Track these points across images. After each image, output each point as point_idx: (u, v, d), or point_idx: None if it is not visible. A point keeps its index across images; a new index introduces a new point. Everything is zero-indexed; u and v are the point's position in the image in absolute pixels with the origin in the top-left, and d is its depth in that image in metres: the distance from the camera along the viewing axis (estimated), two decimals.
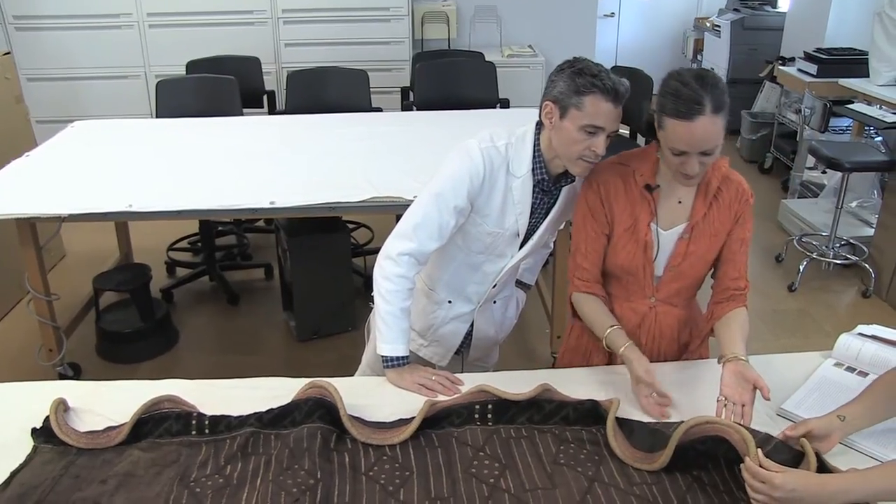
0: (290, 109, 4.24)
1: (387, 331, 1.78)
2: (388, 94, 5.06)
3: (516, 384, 1.65)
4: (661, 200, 1.75)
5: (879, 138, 4.53)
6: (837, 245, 4.21)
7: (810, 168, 5.15)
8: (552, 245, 2.37)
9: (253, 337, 3.62)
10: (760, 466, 1.30)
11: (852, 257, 4.17)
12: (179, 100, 4.05)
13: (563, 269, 3.12)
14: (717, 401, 1.57)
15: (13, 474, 1.45)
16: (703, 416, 1.47)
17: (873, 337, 1.86)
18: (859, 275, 4.13)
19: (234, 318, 3.81)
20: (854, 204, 4.59)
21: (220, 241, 4.42)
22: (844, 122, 5.01)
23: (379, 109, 4.29)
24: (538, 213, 1.88)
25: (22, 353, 3.35)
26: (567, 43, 5.70)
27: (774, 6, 6.66)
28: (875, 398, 1.52)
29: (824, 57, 4.90)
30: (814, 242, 4.34)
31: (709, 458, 1.47)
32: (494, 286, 1.98)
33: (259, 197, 2.76)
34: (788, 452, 1.41)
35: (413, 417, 1.58)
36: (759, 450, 1.33)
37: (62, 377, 3.12)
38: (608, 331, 1.73)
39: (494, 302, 2.07)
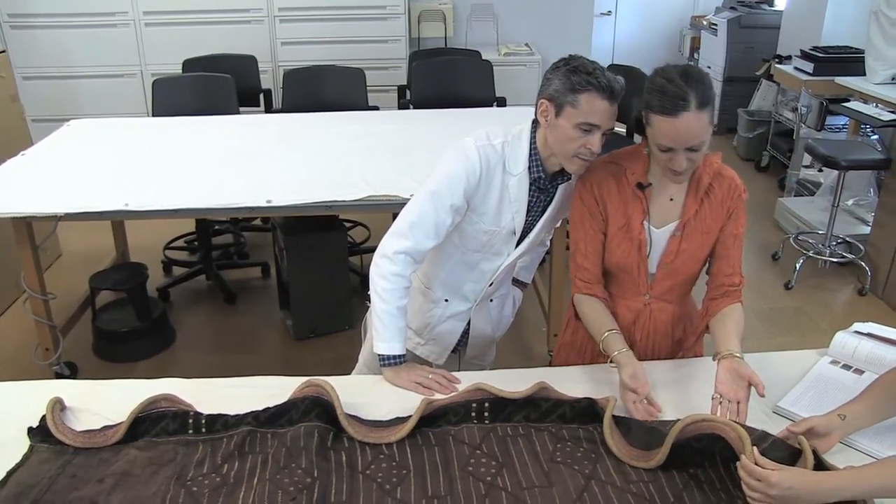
0: (287, 108, 4.24)
1: (383, 329, 1.78)
2: (384, 92, 5.05)
3: (513, 382, 1.65)
4: (652, 198, 1.76)
5: (876, 136, 4.54)
6: (834, 243, 4.21)
7: (807, 166, 5.15)
8: (549, 243, 2.37)
9: (250, 336, 3.62)
10: (756, 464, 1.30)
11: (849, 255, 4.18)
12: (176, 98, 4.04)
13: (559, 267, 3.13)
14: (713, 398, 1.57)
15: (10, 474, 1.45)
16: (699, 413, 1.47)
17: (869, 335, 1.87)
18: (855, 273, 4.14)
19: (230, 316, 3.80)
20: (850, 202, 4.60)
21: (217, 240, 4.42)
22: (841, 120, 5.01)
23: (375, 108, 4.29)
24: (534, 211, 1.88)
25: (18, 353, 3.35)
26: (564, 41, 5.70)
27: (771, 4, 6.66)
28: (875, 397, 1.52)
29: (821, 55, 4.91)
30: (810, 240, 4.35)
31: (705, 456, 1.47)
32: (491, 284, 1.98)
33: (256, 195, 2.76)
34: (785, 450, 1.42)
35: (410, 416, 1.58)
36: (755, 448, 1.33)
37: (59, 376, 3.12)
38: (605, 335, 1.73)
39: (491, 300, 2.07)
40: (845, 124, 5.04)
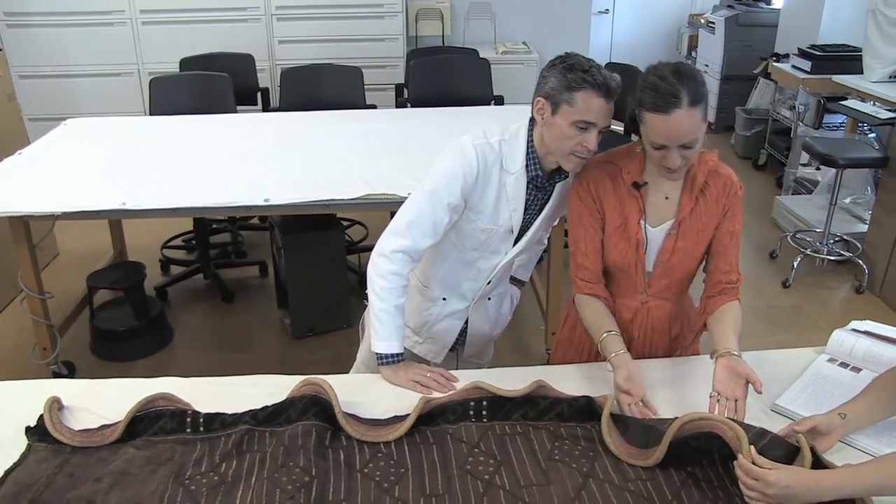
0: (284, 107, 4.24)
1: (381, 328, 1.78)
2: (382, 90, 5.05)
3: (511, 381, 1.65)
4: (648, 197, 1.76)
5: (873, 135, 4.55)
6: (831, 241, 4.22)
7: (804, 164, 5.16)
8: (546, 241, 2.37)
9: (247, 334, 3.62)
10: (753, 463, 1.30)
11: (846, 253, 4.18)
12: (173, 97, 4.03)
13: (557, 265, 3.13)
14: (710, 397, 1.57)
15: (7, 473, 1.45)
16: (697, 412, 1.47)
17: (866, 333, 1.87)
18: (853, 271, 4.15)
19: (228, 315, 3.80)
20: (848, 200, 4.60)
21: (215, 239, 4.41)
22: (838, 118, 5.02)
23: (373, 106, 4.29)
24: (532, 209, 1.88)
25: (16, 352, 3.34)
26: (561, 40, 5.69)
27: (769, 3, 6.66)
28: (875, 397, 1.53)
29: (818, 53, 4.91)
30: (808, 239, 4.35)
31: (703, 454, 1.47)
32: (489, 283, 1.98)
33: (253, 194, 2.76)
34: (783, 448, 1.41)
35: (408, 414, 1.58)
36: (753, 447, 1.33)
37: (56, 375, 3.11)
38: (603, 336, 1.72)
39: (489, 299, 2.07)
40: (843, 122, 5.04)
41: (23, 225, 2.87)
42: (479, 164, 1.76)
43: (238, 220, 4.60)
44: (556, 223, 2.06)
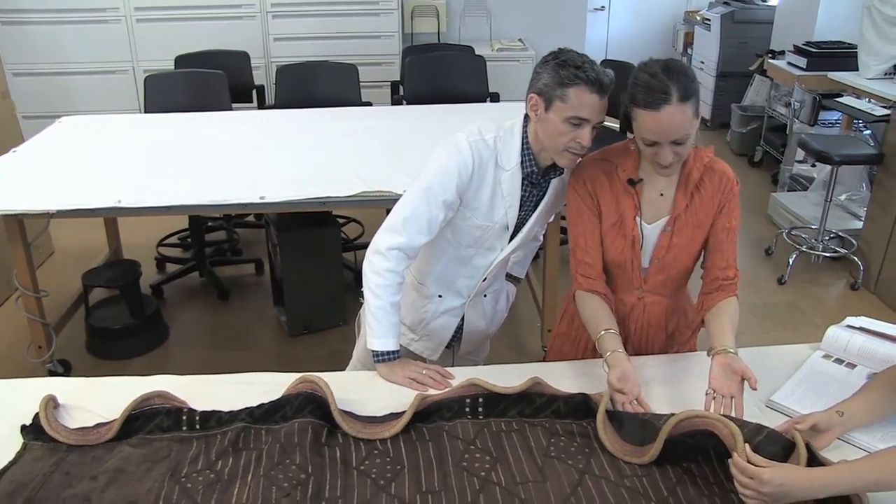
0: (280, 104, 4.23)
1: (377, 325, 1.78)
2: (377, 88, 5.05)
3: (507, 378, 1.65)
4: (643, 194, 1.76)
5: (868, 131, 4.55)
6: (826, 238, 4.23)
7: (800, 161, 5.17)
8: (542, 238, 2.37)
9: (243, 332, 3.61)
10: (749, 461, 1.30)
11: (841, 250, 4.19)
12: (168, 95, 4.02)
13: (553, 261, 3.13)
14: (706, 394, 1.57)
15: (3, 471, 1.44)
16: (693, 409, 1.47)
17: (861, 329, 1.88)
18: (848, 267, 4.16)
19: (224, 313, 3.80)
20: (843, 197, 4.61)
21: (210, 237, 4.40)
22: (834, 115, 5.02)
23: (369, 104, 4.28)
24: (527, 205, 1.88)
25: (11, 350, 3.33)
26: (557, 37, 5.70)
27: (764, 0, 6.67)
28: (874, 395, 1.54)
29: (814, 50, 4.92)
30: (803, 235, 4.36)
31: (698, 451, 1.48)
32: (484, 280, 1.98)
33: (249, 192, 2.75)
34: (780, 444, 1.42)
35: (404, 411, 1.58)
36: (748, 444, 1.33)
37: (52, 374, 3.11)
38: (601, 334, 1.72)
39: (485, 295, 2.07)
40: (838, 119, 5.05)
41: (17, 223, 2.86)
42: (474, 161, 1.76)
43: (233, 218, 4.58)
44: (551, 219, 2.07)
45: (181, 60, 4.44)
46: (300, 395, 1.59)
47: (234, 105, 4.12)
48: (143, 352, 3.40)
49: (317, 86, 4.30)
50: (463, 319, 2.07)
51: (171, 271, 4.07)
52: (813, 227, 4.31)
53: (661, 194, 1.76)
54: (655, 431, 1.46)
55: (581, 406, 1.60)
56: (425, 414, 1.60)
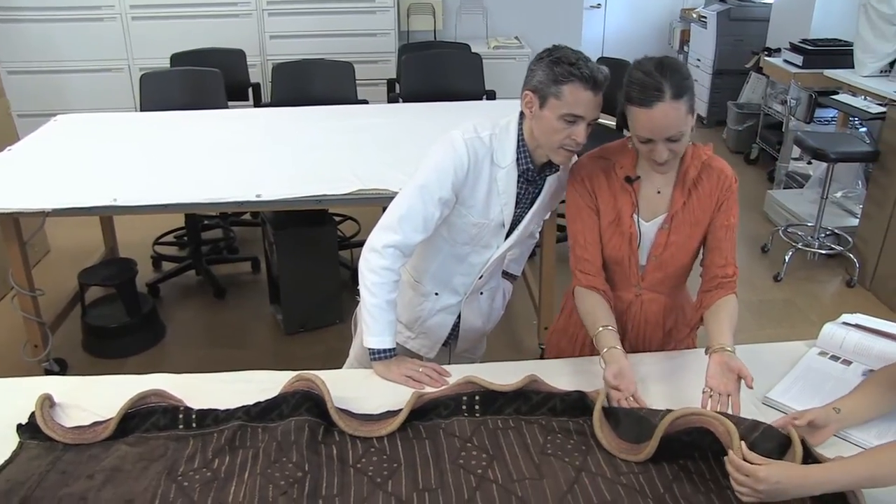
0: (276, 102, 4.22)
1: (373, 323, 1.78)
2: (373, 86, 5.04)
3: (504, 375, 1.65)
4: (641, 191, 1.76)
5: (864, 129, 4.56)
6: (822, 235, 4.24)
7: (796, 159, 5.17)
8: (538, 235, 2.37)
9: (240, 330, 3.61)
10: (744, 459, 1.31)
11: (837, 247, 4.20)
12: (164, 93, 4.02)
13: (549, 259, 3.13)
14: (703, 392, 1.57)
15: None
16: (689, 407, 1.47)
17: (857, 326, 1.88)
18: (844, 265, 4.16)
19: (220, 311, 3.79)
20: (839, 194, 4.62)
21: (207, 235, 4.40)
22: (830, 112, 5.03)
23: (365, 102, 4.28)
24: (523, 202, 1.88)
25: (7, 349, 3.33)
26: (553, 34, 5.65)
27: None
28: (871, 393, 1.55)
29: (810, 48, 4.92)
30: (799, 233, 4.37)
31: (695, 449, 1.48)
32: (481, 277, 1.98)
33: (245, 190, 2.75)
34: (776, 440, 1.42)
35: (400, 409, 1.58)
36: (743, 442, 1.33)
37: (48, 373, 3.10)
38: (598, 331, 1.72)
39: (481, 293, 2.07)
40: (834, 117, 5.06)
41: (13, 222, 2.85)
42: (469, 159, 1.76)
43: (230, 216, 4.58)
44: (547, 217, 2.07)
45: (177, 58, 4.43)
46: (297, 394, 1.59)
47: (230, 103, 4.11)
48: (140, 350, 3.40)
49: (313, 84, 4.30)
50: (459, 317, 2.07)
51: (168, 270, 4.06)
52: (809, 224, 4.31)
53: (659, 192, 1.76)
54: (651, 429, 1.46)
55: (577, 403, 1.60)
56: (422, 412, 1.60)
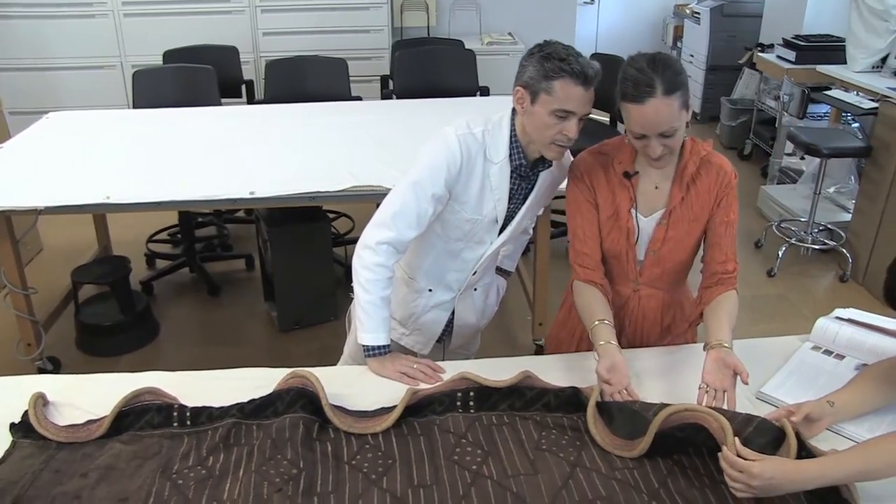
0: (269, 99, 4.21)
1: (367, 320, 1.78)
2: (367, 82, 5.03)
3: (498, 371, 1.65)
4: (639, 187, 1.77)
5: (856, 124, 4.58)
6: (816, 230, 4.25)
7: (789, 154, 5.19)
8: (532, 231, 2.37)
9: (234, 328, 3.61)
10: (738, 455, 1.31)
11: (830, 242, 4.21)
12: (157, 90, 4.00)
13: (544, 255, 3.13)
14: (699, 388, 1.58)
15: None
16: (683, 403, 1.48)
17: (850, 320, 1.89)
18: (837, 260, 4.18)
19: (215, 309, 3.79)
20: (832, 190, 4.64)
21: (200, 233, 4.39)
22: (822, 108, 5.05)
23: (358, 98, 4.27)
24: (516, 198, 1.88)
25: (0, 348, 3.31)
26: (547, 30, 5.62)
27: None
28: (864, 387, 1.56)
29: (802, 44, 4.93)
30: (792, 228, 4.38)
31: (688, 444, 1.48)
32: (474, 273, 1.98)
33: (239, 187, 2.74)
34: (770, 434, 1.42)
35: (395, 406, 1.58)
36: (737, 438, 1.34)
37: (41, 371, 3.09)
38: (594, 325, 1.73)
39: (475, 289, 2.07)
40: (827, 112, 5.07)
41: (5, 220, 2.84)
42: (462, 155, 1.76)
43: (223, 214, 4.57)
44: (541, 212, 2.07)
45: (169, 55, 4.42)
46: (291, 391, 1.59)
47: (223, 100, 4.10)
48: (134, 348, 3.39)
49: (306, 80, 4.29)
50: (453, 313, 2.07)
51: (161, 267, 4.05)
52: (802, 219, 4.33)
53: (657, 187, 1.77)
54: (645, 425, 1.46)
55: (572, 399, 1.61)
56: (416, 408, 1.60)
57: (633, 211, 1.77)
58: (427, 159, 1.78)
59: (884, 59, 4.45)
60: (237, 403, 1.60)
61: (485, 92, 4.46)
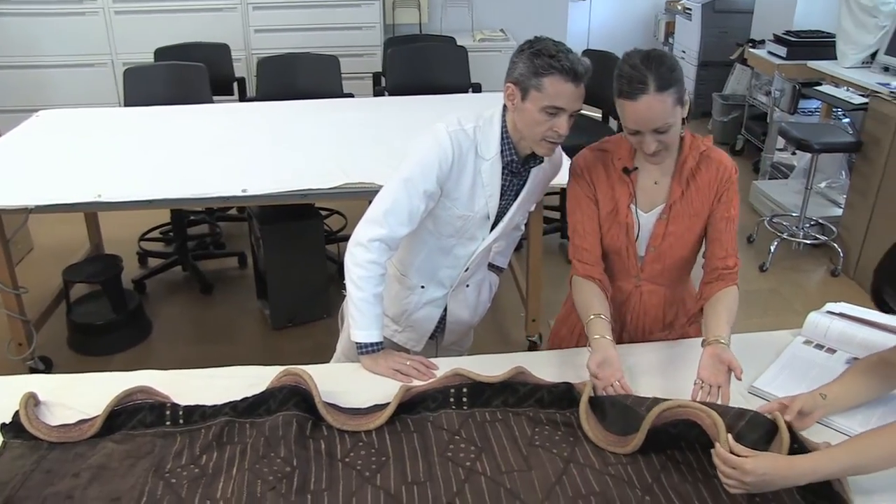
0: (261, 96, 4.20)
1: (360, 317, 1.78)
2: (359, 79, 5.03)
3: (491, 368, 1.65)
4: (639, 182, 1.77)
5: (847, 119, 4.59)
6: (807, 225, 4.27)
7: (780, 149, 5.20)
8: (524, 227, 2.37)
9: (227, 326, 3.60)
10: (731, 451, 1.31)
11: (821, 237, 4.23)
12: (148, 88, 3.99)
13: (536, 252, 3.13)
14: (695, 384, 1.58)
15: None
16: (676, 399, 1.48)
17: (841, 315, 1.90)
18: (828, 254, 4.20)
19: (207, 307, 3.78)
20: (823, 185, 4.65)
21: (193, 231, 4.38)
22: (813, 103, 5.06)
23: (350, 95, 4.27)
24: (508, 194, 1.88)
25: None
26: (539, 27, 5.63)
27: None
28: (855, 381, 1.56)
29: (793, 39, 4.95)
30: (784, 223, 4.40)
31: (681, 440, 1.49)
32: (466, 270, 1.98)
33: (231, 185, 2.74)
34: (763, 428, 1.43)
35: (388, 403, 1.58)
36: (730, 434, 1.34)
37: (33, 371, 3.08)
38: (590, 319, 1.73)
39: (467, 286, 2.07)
40: (818, 108, 5.08)
41: None
42: (453, 152, 1.76)
43: (216, 211, 4.56)
44: (533, 208, 2.07)
45: (161, 53, 4.39)
46: (284, 389, 1.58)
47: (214, 98, 4.08)
48: (126, 347, 3.38)
49: (298, 78, 4.28)
50: (446, 310, 2.07)
51: (154, 266, 4.04)
52: (794, 214, 4.34)
53: (656, 182, 1.77)
54: (638, 421, 1.47)
55: (565, 395, 1.61)
56: (410, 405, 1.60)
57: (632, 206, 1.77)
58: (418, 156, 1.78)
59: (873, 55, 4.47)
60: (230, 402, 1.59)
61: (477, 88, 4.46)
